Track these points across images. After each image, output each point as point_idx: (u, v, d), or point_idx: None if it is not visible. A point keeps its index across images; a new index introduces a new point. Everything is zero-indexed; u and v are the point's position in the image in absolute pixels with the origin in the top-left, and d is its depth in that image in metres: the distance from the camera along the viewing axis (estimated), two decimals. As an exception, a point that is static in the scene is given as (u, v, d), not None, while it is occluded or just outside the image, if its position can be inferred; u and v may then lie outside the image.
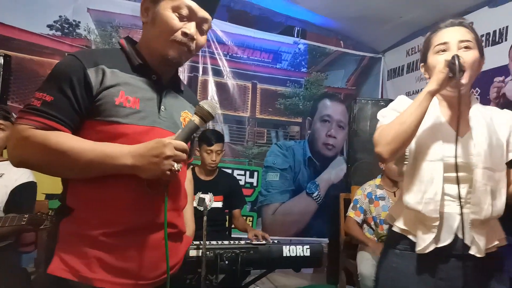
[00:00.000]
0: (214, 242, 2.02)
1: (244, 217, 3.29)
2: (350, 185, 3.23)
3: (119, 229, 0.93)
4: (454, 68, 1.09)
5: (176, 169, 0.90)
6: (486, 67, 2.76)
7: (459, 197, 1.14)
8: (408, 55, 3.64)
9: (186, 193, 1.17)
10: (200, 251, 1.86)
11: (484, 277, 1.17)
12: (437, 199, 1.14)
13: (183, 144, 0.92)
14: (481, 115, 1.22)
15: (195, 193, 2.63)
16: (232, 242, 2.07)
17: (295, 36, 3.65)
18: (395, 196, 2.67)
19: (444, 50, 1.20)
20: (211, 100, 3.30)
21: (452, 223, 1.15)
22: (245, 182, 3.34)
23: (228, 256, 1.91)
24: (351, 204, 2.79)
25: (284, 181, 3.42)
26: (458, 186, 1.13)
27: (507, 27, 2.62)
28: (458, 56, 1.10)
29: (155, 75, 1.03)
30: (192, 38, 1.00)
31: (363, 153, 3.28)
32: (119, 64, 0.99)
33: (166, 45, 0.99)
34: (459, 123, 1.12)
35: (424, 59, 1.29)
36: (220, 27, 3.34)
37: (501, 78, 2.68)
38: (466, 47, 1.18)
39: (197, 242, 1.97)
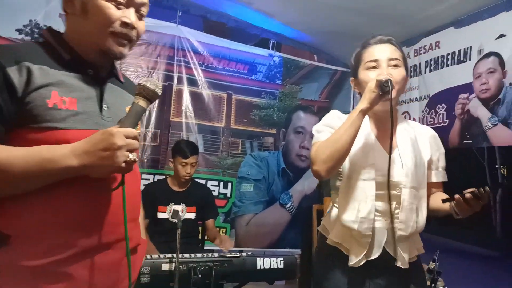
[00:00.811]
0: (187, 255, 1.98)
1: (218, 229, 3.26)
2: (322, 196, 3.28)
3: (70, 253, 0.80)
4: (384, 88, 1.15)
5: (132, 159, 0.80)
6: (452, 84, 2.95)
7: (391, 215, 1.22)
8: (378, 71, 3.76)
9: (140, 199, 1.05)
10: (173, 264, 1.83)
11: (407, 283, 1.26)
12: (370, 218, 1.21)
13: (133, 131, 0.81)
14: (406, 133, 1.31)
15: (167, 204, 2.59)
16: (205, 255, 2.04)
17: (270, 48, 3.69)
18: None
19: (374, 67, 1.27)
20: (186, 109, 3.27)
21: (382, 238, 1.22)
22: (219, 193, 3.31)
23: (201, 270, 1.88)
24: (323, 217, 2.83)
25: (258, 192, 3.42)
26: (390, 206, 1.21)
27: (471, 47, 2.76)
28: (391, 81, 1.15)
29: (91, 69, 0.91)
30: (133, 27, 0.91)
31: (335, 164, 3.33)
32: (47, 59, 0.85)
33: (104, 38, 0.88)
34: (391, 147, 1.18)
35: (354, 74, 1.35)
36: (196, 37, 3.33)
37: (465, 95, 2.82)
38: (394, 65, 1.26)
39: (170, 255, 1.93)
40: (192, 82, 3.30)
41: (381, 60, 1.26)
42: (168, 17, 3.27)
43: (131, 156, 0.80)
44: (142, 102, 0.86)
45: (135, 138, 0.81)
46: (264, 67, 3.60)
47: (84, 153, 0.77)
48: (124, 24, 0.89)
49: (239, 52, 3.50)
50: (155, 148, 3.13)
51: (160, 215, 2.60)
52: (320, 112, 3.77)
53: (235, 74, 3.47)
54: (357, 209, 1.22)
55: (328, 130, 1.28)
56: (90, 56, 0.91)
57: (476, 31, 2.72)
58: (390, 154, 1.18)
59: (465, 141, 2.86)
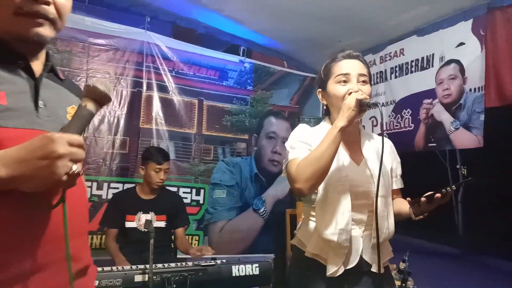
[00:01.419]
0: (160, 265, 1.94)
1: (190, 236, 3.22)
2: (295, 201, 3.32)
3: (5, 276, 0.69)
4: (365, 107, 1.20)
5: (76, 171, 0.68)
6: (416, 90, 3.08)
7: (366, 224, 1.28)
8: (346, 77, 3.86)
9: (87, 212, 0.94)
10: (146, 275, 1.78)
11: (381, 285, 1.32)
12: (348, 229, 1.25)
13: (78, 138, 0.69)
14: (371, 145, 1.37)
15: (135, 213, 2.53)
16: (179, 264, 2.01)
17: (241, 55, 3.71)
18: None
19: (345, 81, 1.31)
20: (156, 116, 3.21)
21: (358, 246, 1.27)
22: (191, 200, 3.27)
23: (176, 280, 1.85)
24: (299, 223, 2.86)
25: (231, 198, 3.40)
26: (376, 215, 1.25)
27: (433, 54, 2.90)
28: (379, 104, 1.21)
29: (22, 60, 0.78)
30: (44, 1, 0.76)
31: (306, 169, 3.39)
32: None
33: (10, 20, 0.75)
34: (381, 164, 1.22)
35: (323, 86, 1.39)
36: (165, 43, 3.29)
37: (429, 100, 2.94)
38: (363, 81, 1.32)
39: (142, 266, 1.88)
40: (162, 88, 3.25)
41: (351, 74, 1.31)
42: (137, 23, 3.21)
43: (75, 167, 0.68)
44: (90, 106, 0.75)
45: (80, 146, 0.69)
46: (235, 73, 3.60)
47: (15, 161, 0.64)
48: (29, 0, 0.75)
49: (210, 58, 3.49)
50: (124, 155, 3.05)
51: (129, 224, 2.53)
52: (291, 118, 3.82)
53: (206, 80, 3.45)
54: (336, 222, 1.24)
55: (303, 146, 1.30)
56: (13, 45, 0.78)
57: (438, 39, 2.86)
58: (380, 169, 1.20)
59: (429, 144, 2.98)
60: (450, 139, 2.79)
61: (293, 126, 3.68)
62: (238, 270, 2.07)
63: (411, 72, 3.12)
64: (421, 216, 1.27)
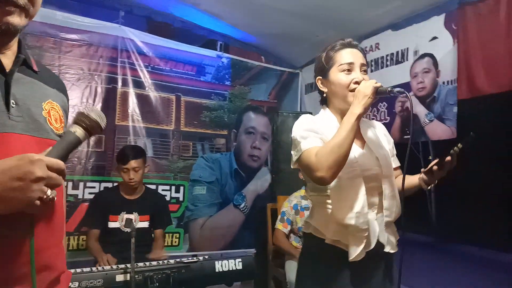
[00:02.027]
0: (142, 264, 1.90)
1: (171, 234, 3.18)
2: (275, 195, 3.33)
3: None
4: (384, 95, 1.24)
5: (50, 197, 0.64)
6: (390, 83, 3.14)
7: (380, 206, 1.31)
8: (323, 71, 3.90)
9: (64, 217, 0.89)
10: (128, 275, 1.74)
11: (390, 266, 1.36)
12: (364, 212, 1.27)
13: (59, 163, 0.65)
14: (370, 129, 1.41)
15: (119, 213, 2.47)
16: (161, 262, 1.98)
17: (218, 50, 3.68)
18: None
19: (349, 70, 1.32)
20: (132, 113, 3.14)
21: (375, 228, 1.29)
22: (171, 197, 3.22)
23: (158, 278, 1.81)
24: (279, 217, 2.88)
25: (211, 194, 3.37)
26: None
27: (407, 48, 2.96)
28: (393, 89, 1.23)
29: None
30: None
31: (286, 163, 3.40)
32: None
33: None
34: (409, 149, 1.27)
35: (324, 74, 1.39)
36: (140, 38, 3.21)
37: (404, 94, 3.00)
38: (365, 71, 1.34)
39: (123, 266, 1.84)
40: (138, 84, 3.18)
41: (355, 64, 1.32)
42: (110, 17, 3.12)
43: (50, 192, 0.64)
44: (79, 132, 0.71)
45: (60, 172, 0.65)
46: (212, 68, 3.57)
47: None
48: None
49: (187, 53, 3.44)
50: (100, 154, 2.97)
51: (112, 224, 2.46)
52: (269, 112, 3.83)
53: (183, 75, 3.40)
54: (351, 206, 1.26)
55: (313, 135, 1.30)
56: None
57: (412, 33, 2.93)
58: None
59: (405, 136, 3.05)
60: (425, 131, 2.87)
61: (271, 121, 3.71)
62: (221, 265, 2.06)
63: (387, 66, 3.18)
64: (432, 185, 1.32)
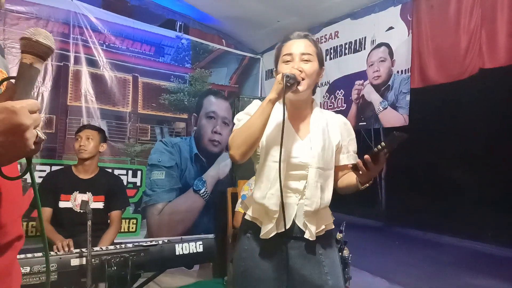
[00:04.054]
0: (98, 248, 1.84)
1: (128, 219, 3.09)
2: (235, 180, 3.33)
3: None
4: (288, 81, 1.29)
5: (43, 137, 0.65)
6: (348, 71, 3.23)
7: (302, 193, 1.37)
8: (284, 57, 3.92)
9: (21, 193, 0.87)
10: (84, 259, 1.68)
11: (314, 253, 1.40)
12: (277, 194, 1.32)
13: (35, 102, 0.64)
14: (319, 120, 1.46)
15: (71, 193, 2.35)
16: (119, 246, 1.92)
17: (177, 30, 3.56)
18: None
19: (289, 61, 1.40)
20: (86, 93, 2.98)
21: (292, 212, 1.37)
22: (128, 182, 3.11)
23: (116, 262, 1.76)
24: (239, 200, 2.89)
25: (170, 179, 3.30)
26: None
27: (365, 37, 3.05)
28: (291, 76, 1.30)
29: None
30: None
31: (245, 149, 3.42)
32: None
33: None
34: (282, 136, 1.30)
35: (276, 65, 1.49)
36: (95, 14, 3.03)
37: (360, 82, 3.11)
38: (306, 60, 1.40)
39: (78, 250, 1.77)
40: (92, 62, 3.01)
41: (294, 54, 1.40)
42: (61, -10, 2.91)
43: (40, 134, 0.64)
44: (34, 61, 0.66)
45: (38, 109, 0.64)
46: (172, 49, 3.46)
47: None
48: None
49: (144, 32, 3.30)
50: (50, 135, 2.79)
51: (63, 204, 2.34)
52: (230, 97, 3.80)
53: (140, 55, 3.27)
54: (268, 187, 1.35)
55: (247, 118, 1.38)
56: None
57: (370, 23, 3.01)
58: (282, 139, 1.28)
59: (360, 123, 3.17)
60: (378, 118, 2.98)
61: (232, 106, 3.68)
62: (182, 248, 2.04)
63: (345, 54, 3.26)
64: (367, 185, 1.34)
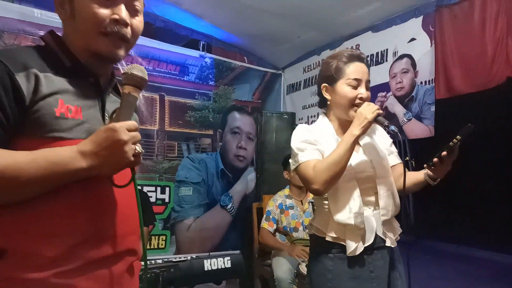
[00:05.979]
0: (130, 264, 1.89)
1: (157, 236, 3.15)
2: (260, 194, 3.35)
3: (75, 265, 0.77)
4: (379, 121, 1.32)
5: (140, 151, 0.81)
6: (371, 84, 3.19)
7: (374, 204, 1.40)
8: (305, 72, 3.96)
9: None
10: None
11: (395, 261, 1.45)
12: (361, 212, 1.35)
13: (133, 123, 0.80)
14: (365, 134, 1.45)
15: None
16: (149, 262, 1.96)
17: (201, 49, 3.67)
18: (302, 204, 2.87)
19: (356, 86, 1.39)
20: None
21: (372, 225, 1.37)
22: (156, 199, 3.19)
23: (147, 278, 1.80)
24: (264, 216, 2.91)
25: (198, 195, 3.35)
26: (376, 196, 1.40)
27: (387, 49, 3.05)
28: (379, 115, 1.31)
29: (92, 77, 0.87)
30: (125, 24, 0.85)
31: (270, 163, 3.44)
32: (50, 66, 0.81)
33: (95, 40, 0.83)
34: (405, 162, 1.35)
35: (330, 83, 1.45)
36: (123, 37, 3.17)
37: (383, 94, 3.09)
38: (368, 87, 1.42)
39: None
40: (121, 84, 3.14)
41: (362, 80, 1.40)
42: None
43: (138, 148, 0.80)
44: (132, 90, 0.83)
45: (136, 129, 0.80)
46: (196, 68, 3.56)
47: (92, 153, 0.75)
48: (115, 22, 0.84)
49: (169, 53, 3.42)
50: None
51: None
52: (254, 112, 3.85)
53: (166, 75, 3.38)
54: (349, 207, 1.35)
55: (309, 147, 1.40)
56: (89, 63, 0.87)
57: (391, 35, 3.01)
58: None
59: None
60: (403, 130, 2.95)
61: (256, 121, 3.73)
62: (210, 264, 2.07)
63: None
64: (439, 180, 1.37)
